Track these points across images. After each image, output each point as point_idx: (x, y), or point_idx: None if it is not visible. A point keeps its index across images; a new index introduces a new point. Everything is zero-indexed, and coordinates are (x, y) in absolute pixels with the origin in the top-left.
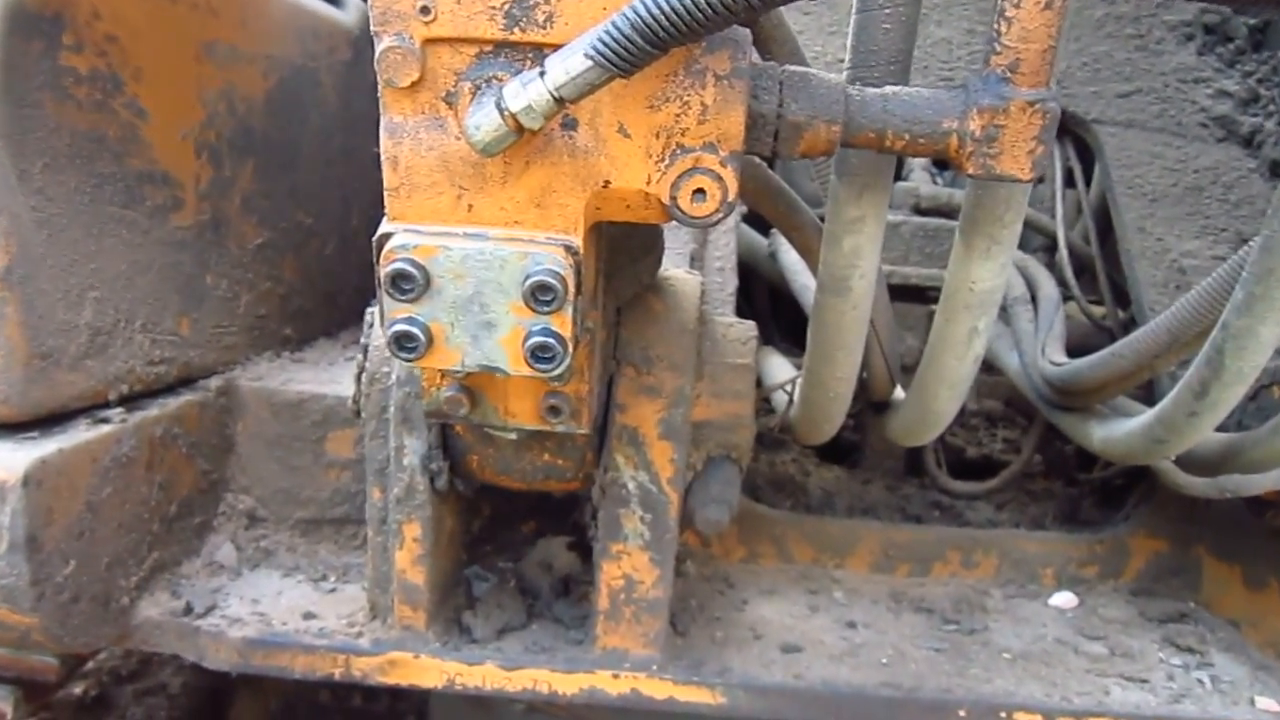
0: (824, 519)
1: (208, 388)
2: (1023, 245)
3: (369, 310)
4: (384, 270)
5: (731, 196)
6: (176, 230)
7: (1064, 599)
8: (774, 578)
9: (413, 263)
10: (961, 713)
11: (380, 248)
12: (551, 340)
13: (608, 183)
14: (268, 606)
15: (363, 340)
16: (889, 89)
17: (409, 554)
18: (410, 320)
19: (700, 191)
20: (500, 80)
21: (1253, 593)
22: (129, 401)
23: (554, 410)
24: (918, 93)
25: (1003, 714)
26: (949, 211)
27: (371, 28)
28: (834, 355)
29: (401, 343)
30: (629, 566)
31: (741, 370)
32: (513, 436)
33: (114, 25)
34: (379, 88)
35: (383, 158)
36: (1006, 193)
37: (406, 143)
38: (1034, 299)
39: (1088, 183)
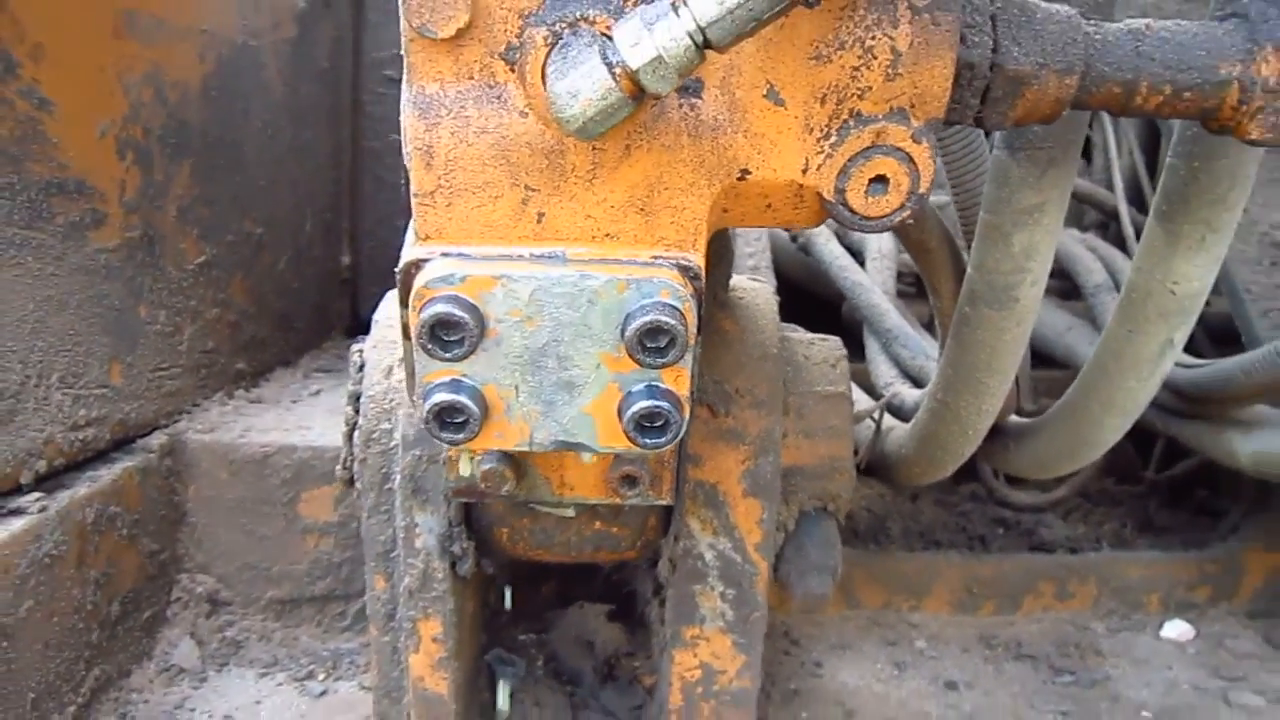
0: (893, 554)
1: (149, 448)
2: (1073, 221)
3: (355, 348)
4: (418, 316)
5: (924, 186)
6: (99, 253)
7: (1178, 630)
8: (842, 628)
9: (460, 302)
10: None
11: (408, 282)
12: (664, 405)
13: (746, 172)
14: None
15: (351, 387)
16: (1138, 23)
17: (427, 657)
18: (456, 386)
19: (880, 180)
20: (592, 24)
21: None
22: (47, 481)
23: (629, 481)
24: (1179, 27)
25: None
26: None
27: None
28: (983, 383)
29: (445, 419)
30: (707, 654)
31: (835, 401)
32: (570, 513)
33: None
34: (403, 42)
35: (408, 147)
36: (1233, 163)
37: (446, 124)
38: (1119, 285)
39: (1147, 150)
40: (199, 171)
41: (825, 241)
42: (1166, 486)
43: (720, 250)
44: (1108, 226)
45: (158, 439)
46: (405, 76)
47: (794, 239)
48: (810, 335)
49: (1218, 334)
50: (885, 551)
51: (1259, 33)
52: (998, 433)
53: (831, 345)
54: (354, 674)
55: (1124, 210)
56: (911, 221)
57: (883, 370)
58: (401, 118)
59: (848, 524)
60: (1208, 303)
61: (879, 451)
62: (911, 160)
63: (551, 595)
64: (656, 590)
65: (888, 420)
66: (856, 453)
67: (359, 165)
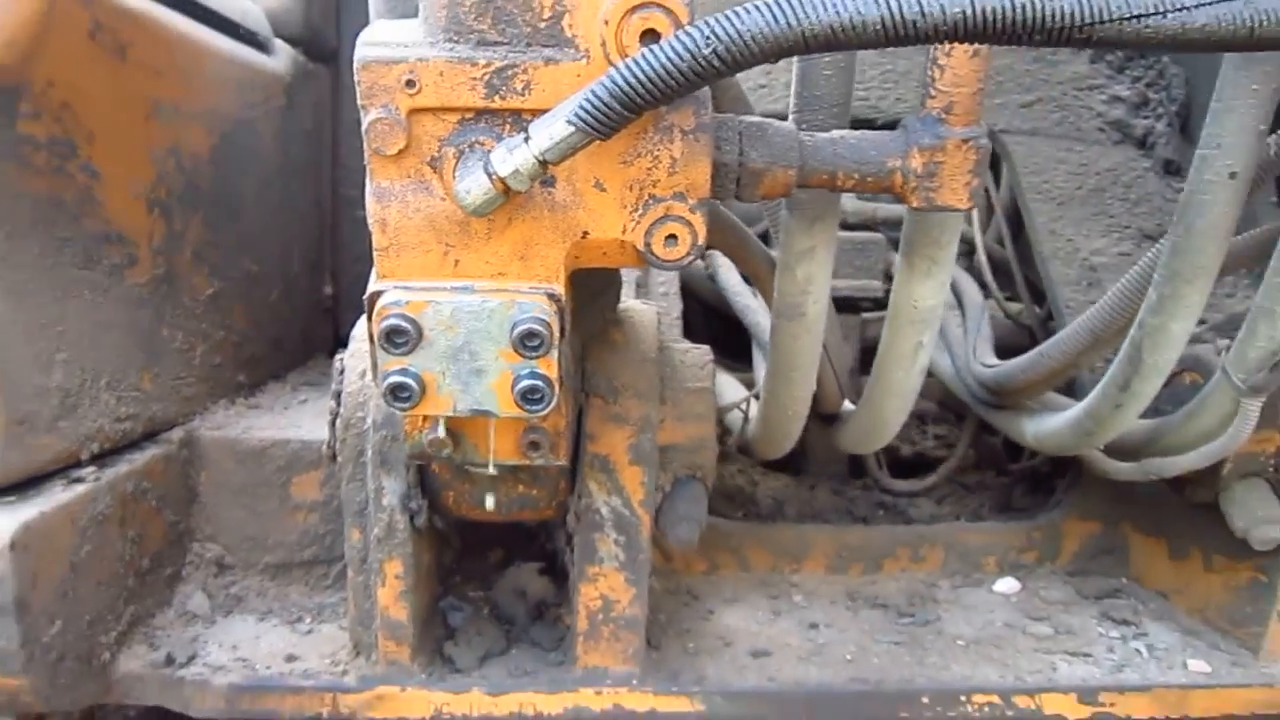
0: (778, 526)
1: (170, 440)
2: None
3: (338, 358)
4: (378, 326)
5: (701, 240)
6: (134, 287)
7: (1007, 585)
8: (735, 586)
9: (405, 318)
10: (924, 699)
11: (372, 305)
12: (539, 383)
13: (586, 233)
14: (248, 651)
15: (334, 387)
16: (837, 133)
17: (391, 591)
18: (404, 372)
19: (672, 237)
20: (483, 145)
21: (1177, 564)
22: (99, 459)
23: (534, 445)
24: (863, 135)
25: (962, 697)
26: (874, 225)
27: (359, 100)
28: (791, 376)
29: (396, 393)
30: (605, 587)
31: (701, 394)
32: (493, 473)
33: (68, 92)
34: (365, 155)
35: (371, 221)
36: (941, 218)
37: (394, 206)
38: (961, 305)
39: (998, 188)
40: (208, 222)
41: (726, 272)
42: (1030, 475)
43: (607, 283)
44: (972, 255)
45: (178, 433)
46: (368, 175)
47: (705, 269)
48: (687, 345)
49: None
50: (773, 525)
51: (910, 139)
52: (835, 418)
53: (701, 352)
54: (335, 619)
55: (980, 240)
56: (698, 261)
57: (763, 374)
58: (366, 201)
59: (752, 507)
60: (1052, 319)
61: (745, 436)
62: (691, 225)
63: (499, 561)
64: (568, 540)
65: (755, 410)
66: (728, 436)
67: (338, 210)
